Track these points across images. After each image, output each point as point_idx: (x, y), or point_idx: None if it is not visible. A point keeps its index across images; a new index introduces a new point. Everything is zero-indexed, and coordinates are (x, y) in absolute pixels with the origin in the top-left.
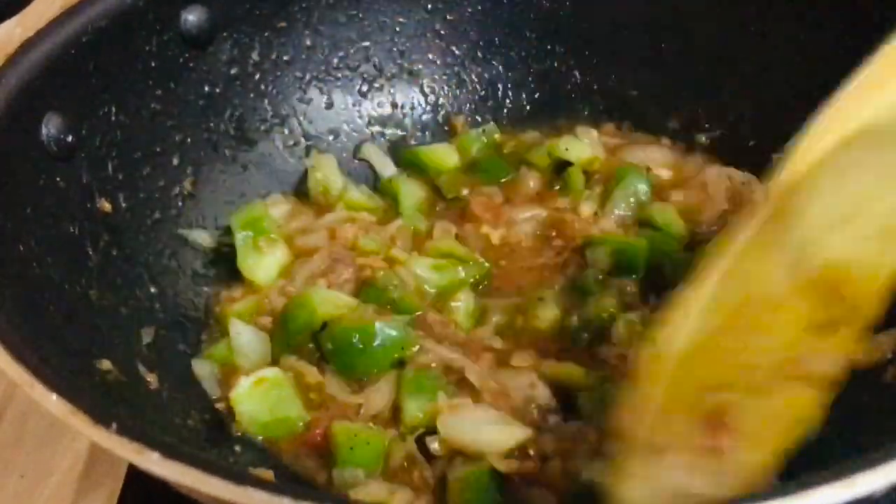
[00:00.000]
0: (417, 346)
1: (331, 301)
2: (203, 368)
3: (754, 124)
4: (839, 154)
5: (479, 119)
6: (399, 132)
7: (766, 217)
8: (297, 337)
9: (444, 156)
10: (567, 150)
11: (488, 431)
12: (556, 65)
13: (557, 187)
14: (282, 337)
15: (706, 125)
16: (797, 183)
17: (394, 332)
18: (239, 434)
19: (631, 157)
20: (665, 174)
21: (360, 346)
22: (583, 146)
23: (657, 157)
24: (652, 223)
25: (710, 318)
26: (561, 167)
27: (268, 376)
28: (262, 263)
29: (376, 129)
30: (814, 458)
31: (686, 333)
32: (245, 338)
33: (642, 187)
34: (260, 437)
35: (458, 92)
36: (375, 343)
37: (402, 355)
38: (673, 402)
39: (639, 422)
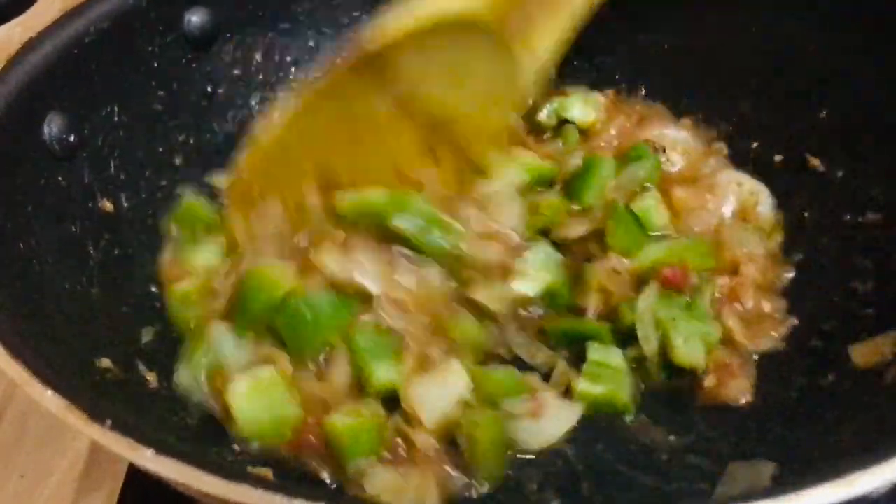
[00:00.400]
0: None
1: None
2: (187, 378)
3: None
4: (441, 28)
5: None
6: None
7: (361, 58)
8: (259, 319)
9: None
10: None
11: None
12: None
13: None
14: (241, 322)
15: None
16: (394, 39)
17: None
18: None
19: (651, 132)
20: (678, 162)
21: (310, 318)
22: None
23: (677, 138)
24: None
25: (312, 119)
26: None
27: (262, 377)
28: (200, 249)
29: None
30: (814, 458)
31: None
32: (228, 344)
33: (641, 174)
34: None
35: None
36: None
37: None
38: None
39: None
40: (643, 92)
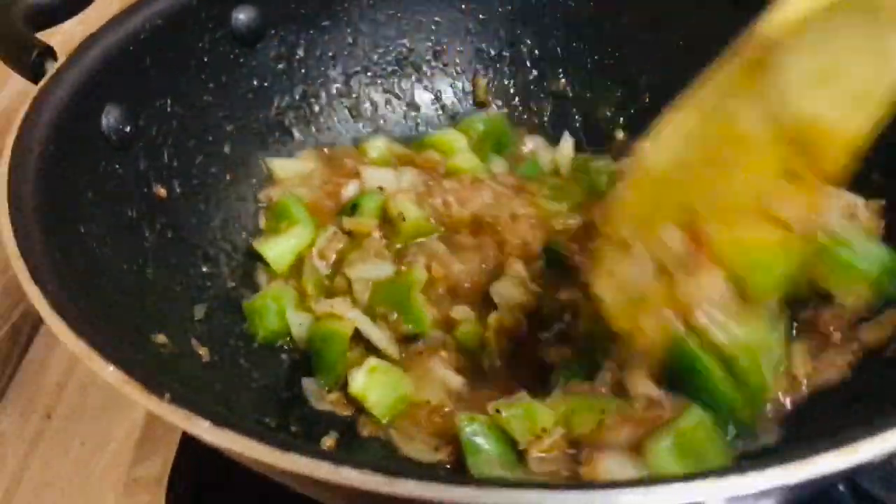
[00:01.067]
0: None
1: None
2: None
3: None
4: (826, 15)
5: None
6: (432, 123)
7: (748, 61)
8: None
9: (453, 139)
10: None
11: None
12: (586, 62)
13: None
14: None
15: None
16: (783, 35)
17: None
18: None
19: None
20: None
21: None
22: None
23: None
24: None
25: (690, 145)
26: None
27: (373, 364)
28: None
29: (412, 121)
30: (818, 429)
31: (668, 152)
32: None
33: None
34: (386, 419)
35: (490, 86)
36: None
37: None
38: (652, 212)
39: (617, 221)
40: None
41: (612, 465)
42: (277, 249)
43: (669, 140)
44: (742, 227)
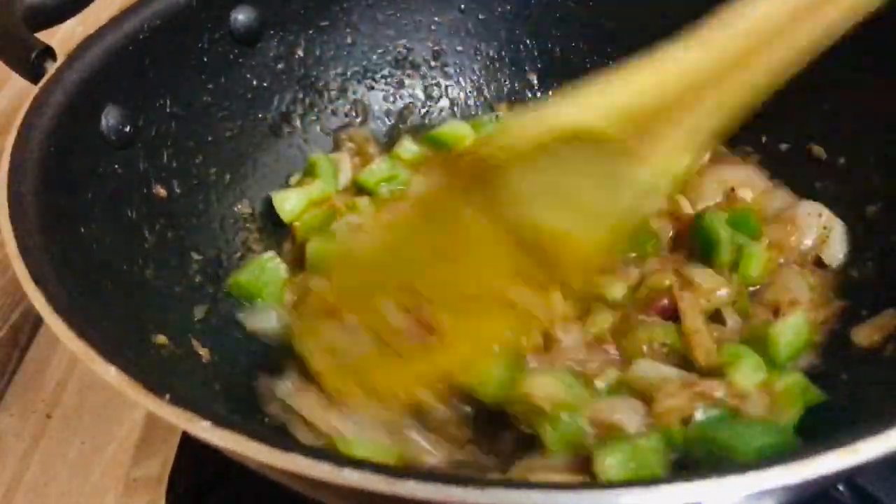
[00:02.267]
0: None
1: None
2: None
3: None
4: (553, 143)
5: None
6: (432, 123)
7: (473, 172)
8: None
9: (462, 131)
10: None
11: None
12: (585, 62)
13: None
14: None
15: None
16: (504, 159)
17: None
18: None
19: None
20: (748, 198)
21: None
22: None
23: (742, 176)
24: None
25: (413, 240)
26: None
27: None
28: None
29: (410, 122)
30: (818, 429)
31: (385, 239)
32: None
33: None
34: None
35: (489, 87)
36: None
37: None
38: (367, 288)
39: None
40: None
41: None
42: (292, 200)
43: (386, 230)
44: (473, 315)
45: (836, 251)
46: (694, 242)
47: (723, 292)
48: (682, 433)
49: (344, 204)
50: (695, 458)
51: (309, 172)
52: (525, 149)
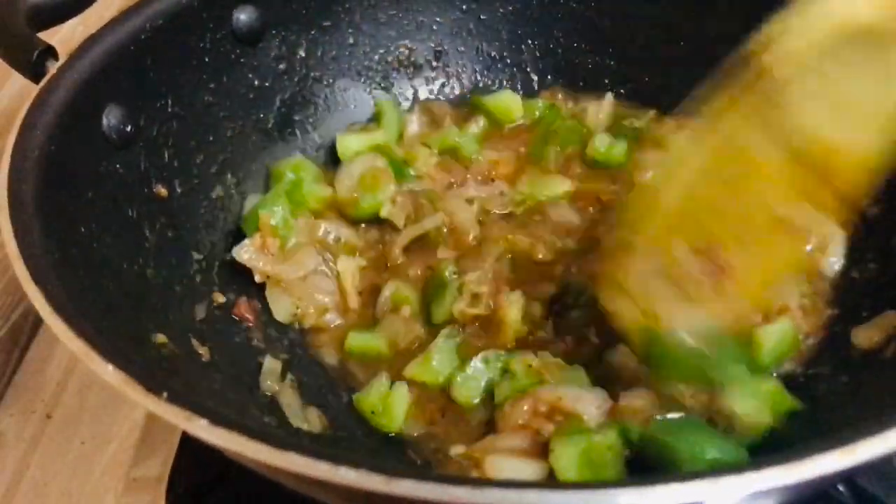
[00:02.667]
0: None
1: None
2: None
3: None
4: (828, 44)
5: None
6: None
7: (753, 89)
8: None
9: (510, 102)
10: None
11: None
12: (586, 62)
13: None
14: None
15: None
16: (785, 65)
17: None
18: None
19: None
20: None
21: None
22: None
23: None
24: None
25: (702, 179)
26: None
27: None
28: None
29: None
30: (817, 429)
31: (678, 187)
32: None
33: None
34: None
35: (490, 87)
36: None
37: None
38: (670, 238)
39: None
40: None
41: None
42: (353, 143)
43: (679, 175)
44: (762, 246)
45: (835, 260)
46: None
47: None
48: (640, 432)
49: (404, 154)
50: (649, 458)
51: (375, 118)
52: (806, 53)
